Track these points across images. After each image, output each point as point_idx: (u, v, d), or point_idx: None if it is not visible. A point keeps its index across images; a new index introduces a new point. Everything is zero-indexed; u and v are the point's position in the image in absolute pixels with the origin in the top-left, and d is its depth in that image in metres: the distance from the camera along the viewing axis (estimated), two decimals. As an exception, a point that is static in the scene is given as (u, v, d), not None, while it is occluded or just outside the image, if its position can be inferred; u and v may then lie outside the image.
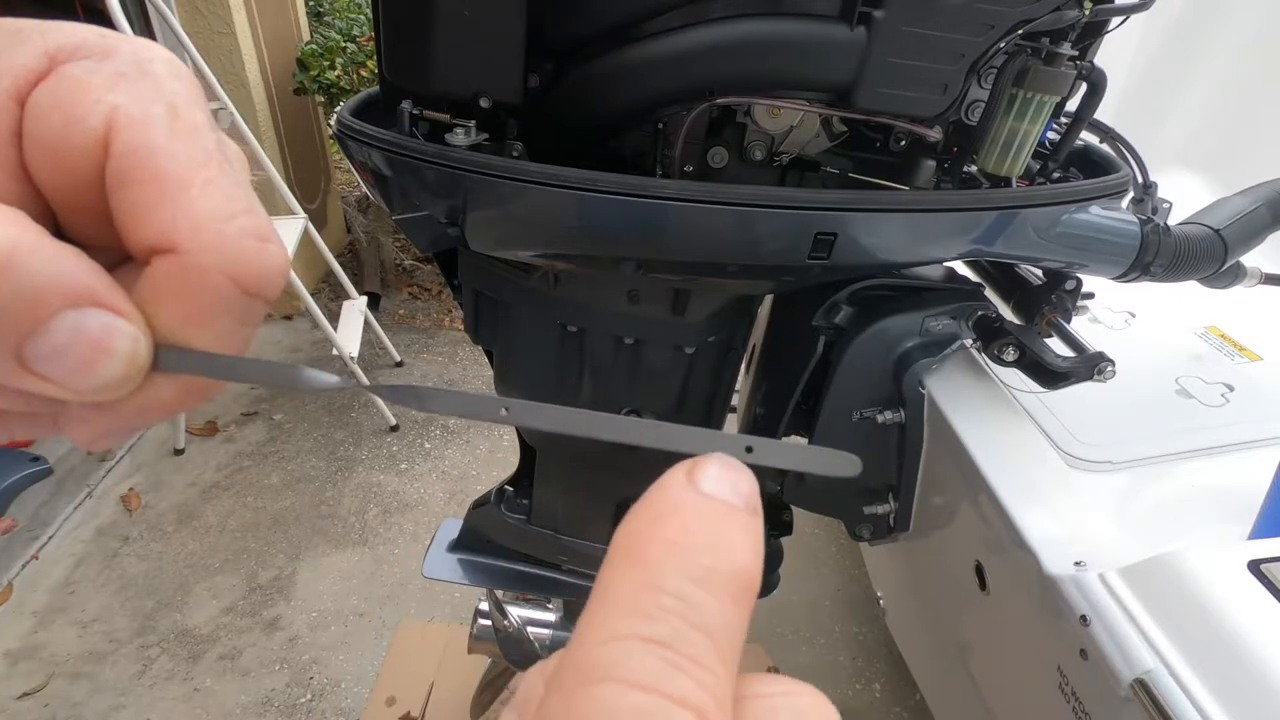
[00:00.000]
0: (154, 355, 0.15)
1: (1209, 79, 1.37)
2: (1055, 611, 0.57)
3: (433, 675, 1.31)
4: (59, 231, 0.17)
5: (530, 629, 1.00)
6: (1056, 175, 0.68)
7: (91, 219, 0.16)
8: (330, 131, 2.06)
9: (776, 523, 0.93)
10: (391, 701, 1.27)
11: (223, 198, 0.15)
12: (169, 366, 0.16)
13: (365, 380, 0.20)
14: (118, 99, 0.15)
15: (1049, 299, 0.69)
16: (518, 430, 0.92)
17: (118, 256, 0.16)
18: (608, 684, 0.11)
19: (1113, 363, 0.64)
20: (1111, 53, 0.68)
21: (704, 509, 0.14)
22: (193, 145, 0.15)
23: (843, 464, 0.17)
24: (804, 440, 0.76)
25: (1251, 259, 0.76)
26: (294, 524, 1.84)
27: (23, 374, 0.14)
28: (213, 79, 1.86)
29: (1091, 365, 0.64)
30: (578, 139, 0.58)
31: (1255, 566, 0.51)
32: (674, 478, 0.14)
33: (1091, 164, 0.74)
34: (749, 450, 0.16)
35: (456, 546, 0.98)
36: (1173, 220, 0.70)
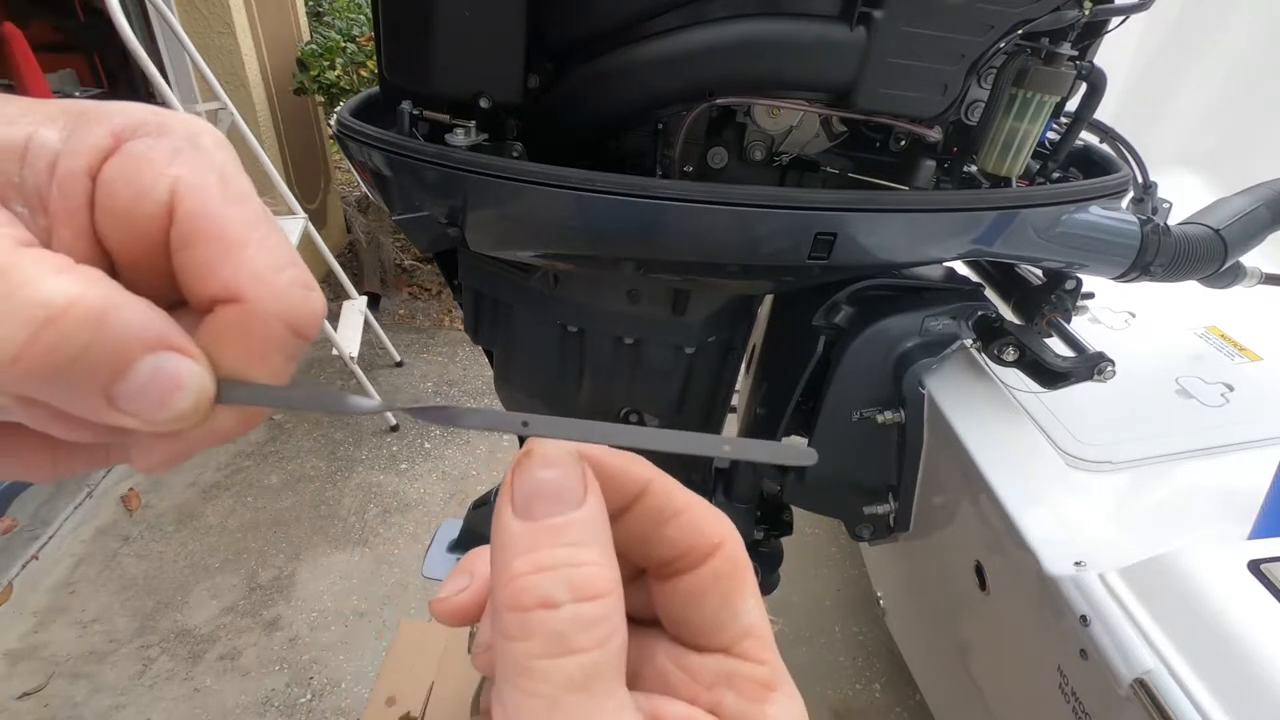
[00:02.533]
0: (217, 389, 0.18)
1: (1209, 79, 1.37)
2: (1055, 611, 0.57)
3: (433, 675, 1.31)
4: None
5: (530, 629, 1.00)
6: (1056, 175, 0.68)
7: (149, 274, 0.18)
8: (330, 131, 2.05)
9: (776, 523, 0.93)
10: (391, 701, 1.27)
11: (274, 253, 0.18)
12: (230, 398, 0.18)
13: (376, 397, 0.22)
14: (178, 171, 0.17)
15: (1049, 299, 0.69)
16: (518, 430, 0.92)
17: (167, 304, 0.18)
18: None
19: (1113, 363, 0.64)
20: (1111, 53, 0.68)
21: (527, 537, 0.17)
22: (245, 209, 0.18)
23: (801, 455, 0.20)
24: (804, 440, 0.76)
25: (1251, 259, 0.76)
26: (294, 524, 1.84)
27: (110, 410, 0.16)
28: (213, 79, 1.86)
29: (1091, 365, 0.64)
30: (578, 139, 0.58)
31: (1255, 566, 0.51)
32: (502, 504, 0.17)
33: (1091, 164, 0.74)
34: (727, 448, 0.19)
35: (456, 546, 0.98)
36: (1173, 220, 0.70)
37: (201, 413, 0.18)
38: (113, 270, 0.18)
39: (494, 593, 0.17)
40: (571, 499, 0.17)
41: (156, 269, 0.18)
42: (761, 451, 0.20)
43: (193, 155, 0.18)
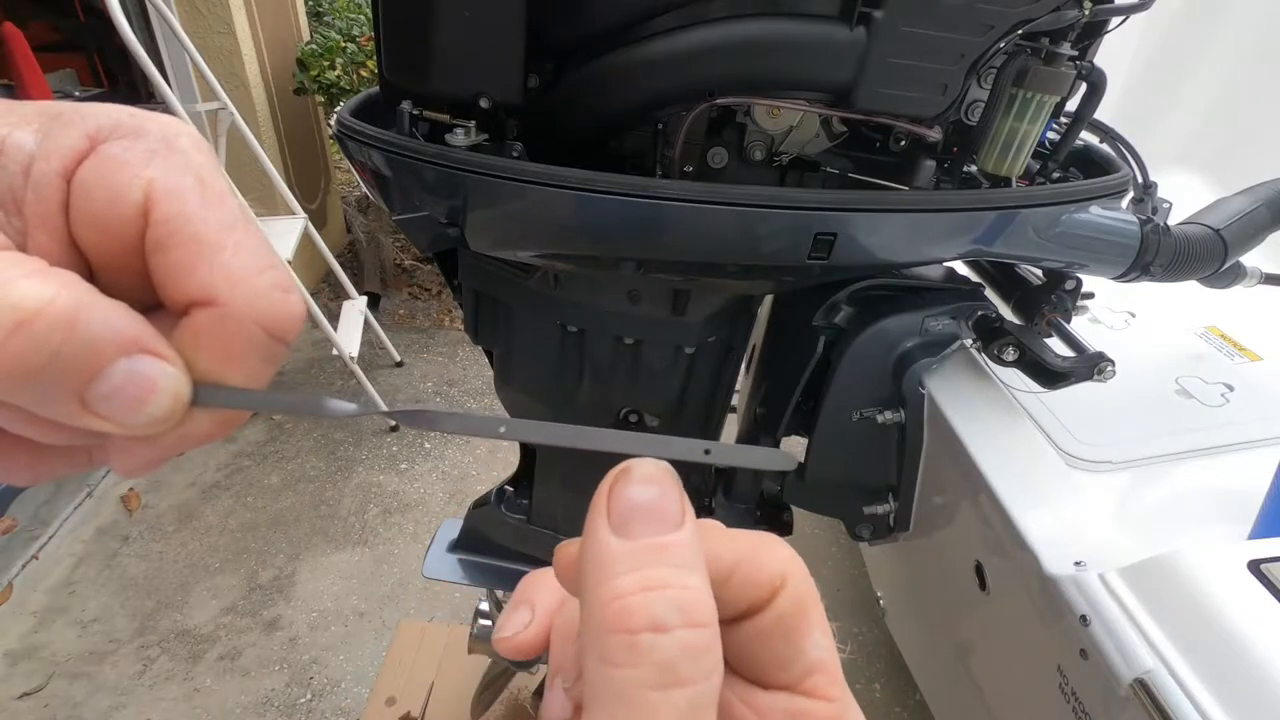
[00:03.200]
0: (193, 392, 0.18)
1: (1209, 79, 1.37)
2: (1055, 611, 0.57)
3: (433, 675, 1.31)
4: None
5: (530, 629, 1.00)
6: (1056, 175, 0.68)
7: (125, 277, 0.18)
8: (330, 131, 2.05)
9: (776, 523, 0.93)
10: (391, 701, 1.27)
11: (251, 256, 0.18)
12: (206, 402, 0.18)
13: (375, 396, 0.22)
14: (153, 173, 0.17)
15: (1049, 299, 0.69)
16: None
17: (142, 308, 0.18)
18: None
19: (1113, 363, 0.64)
20: (1111, 53, 0.68)
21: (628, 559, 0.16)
22: (222, 211, 0.18)
23: (781, 460, 0.20)
24: (803, 441, 0.76)
25: (1251, 259, 0.76)
26: (294, 524, 1.84)
27: (83, 413, 0.16)
28: (213, 79, 1.86)
29: (1091, 365, 0.64)
30: (578, 139, 0.58)
31: (1255, 566, 0.51)
32: (601, 533, 0.16)
33: (1091, 164, 0.74)
34: (707, 452, 0.19)
35: (456, 546, 0.98)
36: (1173, 220, 0.70)
37: (177, 416, 0.17)
38: (89, 273, 0.18)
39: (590, 615, 0.16)
40: (673, 519, 0.16)
41: (133, 272, 0.18)
42: (742, 457, 0.21)
43: (168, 157, 0.18)
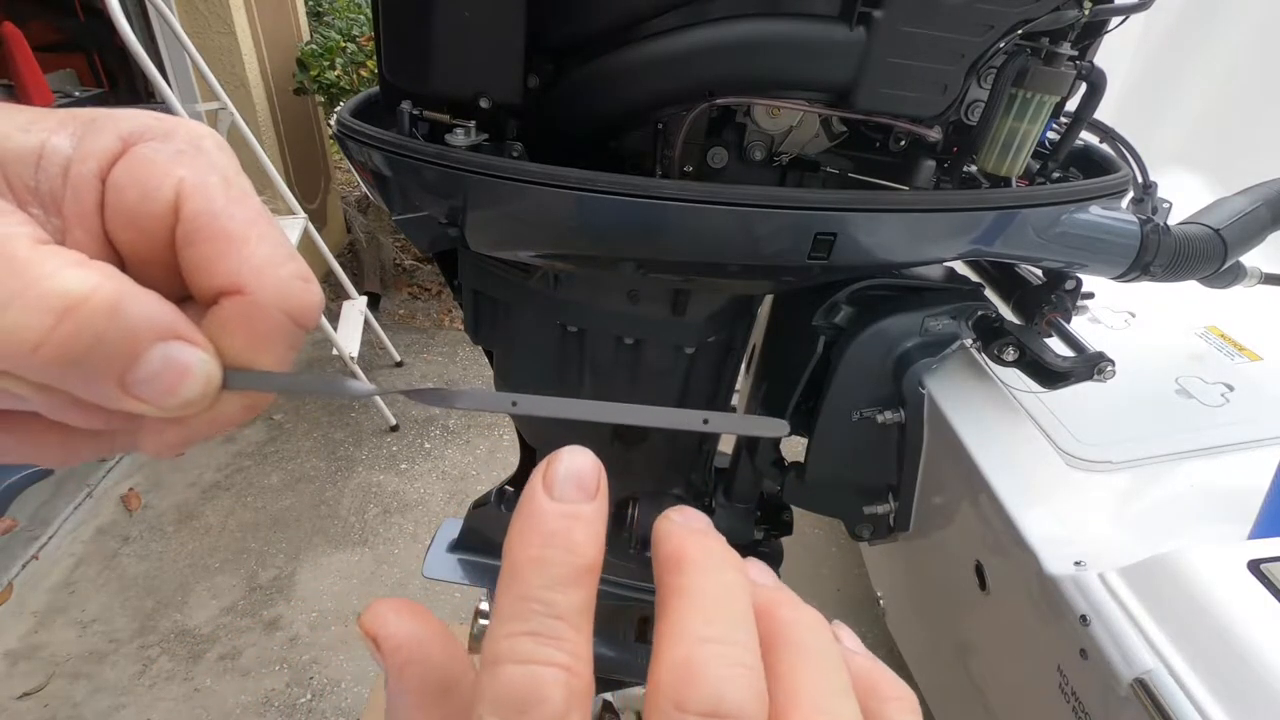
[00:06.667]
0: (223, 376, 0.19)
1: (1209, 79, 1.37)
2: (1055, 611, 0.57)
3: (433, 675, 1.31)
4: None
5: (530, 629, 1.00)
6: (1056, 175, 0.68)
7: (156, 270, 0.20)
8: (330, 131, 2.06)
9: (776, 523, 0.93)
10: (391, 701, 1.27)
11: (274, 248, 0.19)
12: (235, 385, 0.19)
13: (382, 402, 0.23)
14: (182, 172, 0.19)
15: (1049, 299, 0.68)
16: (518, 430, 0.92)
17: (174, 299, 0.19)
18: (505, 664, 0.16)
19: (1113, 363, 0.64)
20: (1111, 53, 0.68)
21: (555, 516, 0.17)
22: (245, 207, 0.19)
23: (772, 426, 0.22)
24: (803, 440, 0.76)
25: (1251, 259, 0.76)
26: (294, 524, 1.84)
27: (123, 396, 0.18)
28: (213, 79, 1.86)
29: (1091, 365, 0.64)
30: (578, 139, 0.58)
31: (1255, 566, 0.51)
32: (535, 486, 0.18)
33: (1091, 164, 0.74)
34: (705, 421, 0.20)
35: (456, 546, 0.98)
36: (1173, 220, 0.70)
37: (209, 398, 0.19)
38: (122, 268, 0.19)
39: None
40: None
41: (163, 265, 0.19)
42: (738, 424, 0.23)
43: (195, 158, 0.19)
